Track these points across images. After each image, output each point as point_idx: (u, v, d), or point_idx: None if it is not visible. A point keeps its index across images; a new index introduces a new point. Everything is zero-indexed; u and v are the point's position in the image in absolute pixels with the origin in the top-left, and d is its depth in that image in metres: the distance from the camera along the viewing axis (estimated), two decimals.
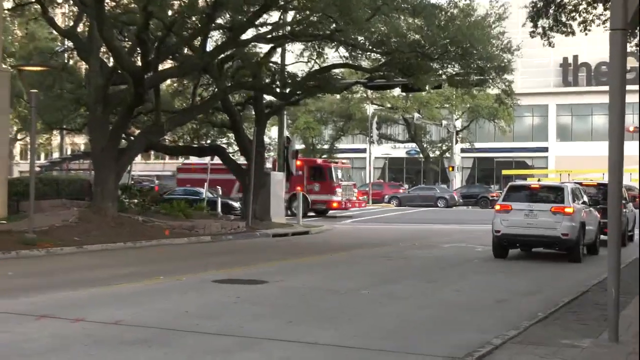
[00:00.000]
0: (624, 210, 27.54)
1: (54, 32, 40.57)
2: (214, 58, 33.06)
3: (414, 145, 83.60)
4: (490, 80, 36.19)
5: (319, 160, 50.26)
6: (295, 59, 37.73)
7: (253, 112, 40.76)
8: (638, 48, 26.20)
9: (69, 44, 41.77)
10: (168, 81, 41.81)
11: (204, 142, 44.87)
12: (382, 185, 77.65)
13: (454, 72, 35.91)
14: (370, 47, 33.88)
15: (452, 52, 33.42)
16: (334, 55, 40.02)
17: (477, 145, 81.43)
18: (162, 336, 10.22)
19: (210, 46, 36.81)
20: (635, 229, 31.25)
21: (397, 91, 63.44)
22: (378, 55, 35.26)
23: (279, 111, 39.93)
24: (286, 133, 43.06)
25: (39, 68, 33.57)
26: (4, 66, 33.91)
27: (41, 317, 11.30)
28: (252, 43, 35.01)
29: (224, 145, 44.28)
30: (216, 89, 35.29)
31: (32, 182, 24.04)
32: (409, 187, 78.62)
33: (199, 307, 12.73)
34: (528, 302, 14.48)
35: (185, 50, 36.09)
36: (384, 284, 16.54)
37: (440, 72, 35.73)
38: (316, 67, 36.43)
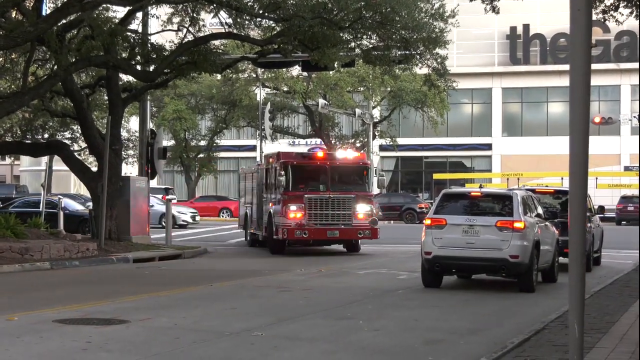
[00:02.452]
0: (589, 225, 28.26)
1: None
2: (52, 25, 32.70)
3: (318, 140, 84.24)
4: (418, 56, 36.79)
5: (285, 152, 39.06)
6: (162, 27, 37.63)
7: (106, 97, 40.50)
8: (604, 15, 27.02)
9: None
10: None
11: (39, 137, 44.42)
12: None
13: (371, 45, 36.39)
14: (260, 12, 34.05)
15: (367, 18, 33.88)
16: (213, 22, 40.11)
17: (401, 141, 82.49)
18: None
19: (47, 9, 36.42)
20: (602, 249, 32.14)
21: (296, 70, 63.87)
22: (271, 22, 35.43)
23: (141, 96, 39.74)
24: (150, 125, 42.82)
25: None
26: None
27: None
28: (104, 5, 34.79)
29: (67, 141, 43.91)
30: (55, 66, 34.91)
31: None
32: None
33: (36, 356, 12.59)
34: (467, 344, 14.80)
35: (14, 14, 35.67)
36: (281, 323, 16.67)
37: (353, 44, 36.14)
38: (190, 37, 36.38)
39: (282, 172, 34.80)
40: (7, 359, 12.46)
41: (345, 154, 37.20)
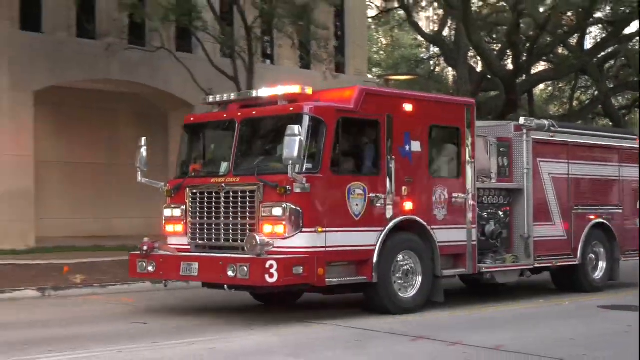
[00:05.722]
0: None
1: (419, 37, 42.28)
2: (593, 57, 32.62)
3: None
4: None
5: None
6: None
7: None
8: None
9: (434, 49, 43.19)
10: (541, 85, 41.78)
11: None
12: None
13: None
14: None
15: None
16: None
17: None
18: None
19: (588, 44, 36.32)
20: None
21: None
22: None
23: None
24: None
25: (405, 77, 35.11)
26: (369, 76, 35.83)
27: (418, 339, 11.93)
28: (638, 37, 33.98)
29: None
30: (596, 92, 34.72)
31: None
32: None
33: (583, 336, 12.62)
34: None
35: (560, 50, 35.95)
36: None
37: None
38: None
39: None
40: (559, 335, 12.57)
41: (276, 91, 14.21)
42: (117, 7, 24.12)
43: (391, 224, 13.99)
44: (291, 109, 13.63)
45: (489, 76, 32.98)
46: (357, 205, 13.59)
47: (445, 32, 38.45)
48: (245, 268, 12.66)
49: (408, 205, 14.35)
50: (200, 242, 14.11)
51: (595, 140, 18.73)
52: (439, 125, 15.29)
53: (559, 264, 17.42)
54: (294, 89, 13.88)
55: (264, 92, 14.42)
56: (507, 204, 16.77)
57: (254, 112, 14.32)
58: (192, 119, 15.55)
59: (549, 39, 33.17)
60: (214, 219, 13.86)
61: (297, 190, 12.92)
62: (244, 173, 13.68)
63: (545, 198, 17.22)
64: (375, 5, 42.08)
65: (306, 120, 13.26)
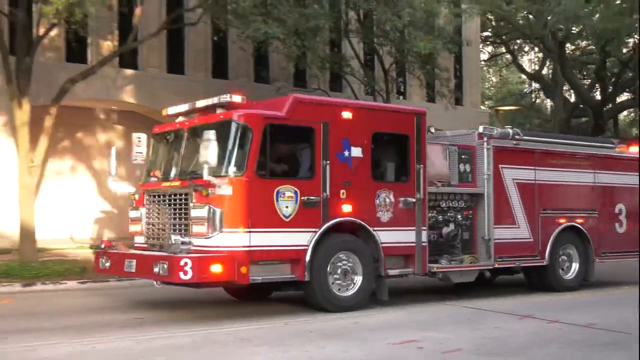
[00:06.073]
0: None
1: (523, 76, 41.56)
2: None
3: None
4: None
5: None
6: None
7: None
8: None
9: (535, 85, 42.33)
10: (625, 111, 40.31)
11: None
12: None
13: None
14: None
15: None
16: None
17: None
18: (629, 340, 9.93)
19: None
20: None
21: None
22: None
23: None
24: None
25: (511, 108, 34.57)
26: (482, 107, 35.37)
27: (524, 317, 11.67)
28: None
29: None
30: None
31: None
32: None
33: None
34: None
35: None
36: None
37: None
38: None
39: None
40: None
41: (215, 100, 12.18)
42: (285, 59, 24.48)
43: (326, 226, 11.73)
44: (221, 116, 11.70)
45: (580, 105, 32.00)
46: (287, 207, 11.39)
47: (544, 71, 37.67)
48: (165, 265, 10.83)
49: (346, 208, 12.00)
50: (152, 241, 12.25)
51: (566, 148, 15.64)
52: (384, 132, 12.74)
53: (523, 265, 14.74)
54: (228, 97, 11.78)
55: (206, 102, 12.29)
56: (468, 208, 14.26)
57: (196, 121, 12.34)
58: (156, 129, 13.32)
59: (630, 74, 32.02)
60: (161, 219, 12.05)
61: (224, 193, 10.98)
62: (185, 177, 11.77)
63: (509, 202, 14.47)
64: (487, 51, 41.56)
65: (234, 126, 11.34)
